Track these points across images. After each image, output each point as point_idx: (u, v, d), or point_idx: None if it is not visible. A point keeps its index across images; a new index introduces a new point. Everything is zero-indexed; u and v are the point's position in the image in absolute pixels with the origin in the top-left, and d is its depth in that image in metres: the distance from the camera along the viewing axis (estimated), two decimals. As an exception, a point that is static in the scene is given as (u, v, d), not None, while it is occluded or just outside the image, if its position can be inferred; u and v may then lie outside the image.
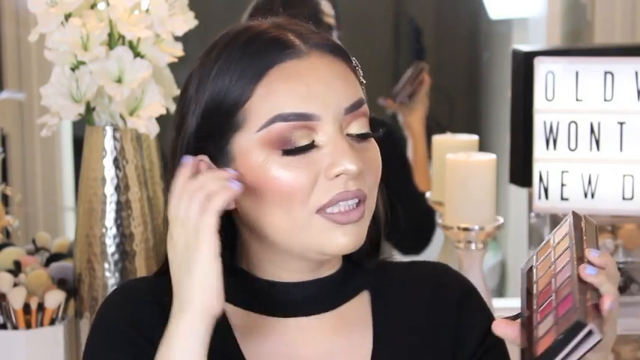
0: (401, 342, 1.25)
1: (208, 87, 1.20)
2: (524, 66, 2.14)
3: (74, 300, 1.86)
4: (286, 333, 1.22)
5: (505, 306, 2.35)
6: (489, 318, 1.28)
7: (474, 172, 1.98)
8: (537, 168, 2.02)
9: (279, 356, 1.21)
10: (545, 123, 2.02)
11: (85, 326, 1.83)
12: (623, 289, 2.02)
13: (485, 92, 4.74)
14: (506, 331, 1.11)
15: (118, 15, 1.76)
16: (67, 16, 1.77)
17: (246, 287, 1.24)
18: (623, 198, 2.00)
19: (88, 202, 1.82)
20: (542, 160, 2.02)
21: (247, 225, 1.22)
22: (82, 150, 1.85)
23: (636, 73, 1.98)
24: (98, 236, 1.81)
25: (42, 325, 1.83)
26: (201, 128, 1.21)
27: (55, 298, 1.82)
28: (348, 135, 1.18)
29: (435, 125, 4.62)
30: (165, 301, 1.18)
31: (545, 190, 2.02)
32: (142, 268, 1.82)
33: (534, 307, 1.08)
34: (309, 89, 1.17)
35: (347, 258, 1.27)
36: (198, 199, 1.14)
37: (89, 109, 1.82)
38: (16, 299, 1.80)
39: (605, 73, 1.99)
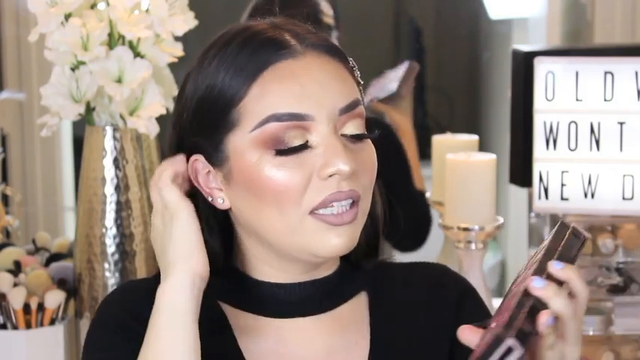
0: (398, 343, 1.24)
1: (204, 85, 1.20)
2: (524, 66, 2.14)
3: (74, 300, 1.86)
4: (283, 334, 1.22)
5: (505, 306, 2.34)
6: (488, 316, 1.28)
7: (474, 172, 1.98)
8: (537, 168, 2.02)
9: (276, 356, 1.21)
10: (545, 123, 2.02)
11: (85, 326, 1.83)
12: (623, 289, 2.02)
13: (485, 92, 4.74)
14: (469, 338, 1.09)
15: (118, 15, 1.76)
16: (67, 16, 1.77)
17: (243, 288, 1.24)
18: (623, 198, 1.99)
19: (88, 202, 1.82)
20: (542, 160, 2.02)
21: (243, 225, 1.22)
22: (82, 150, 1.85)
23: (636, 73, 1.98)
24: (98, 236, 1.81)
25: (42, 325, 1.83)
26: (197, 126, 1.21)
27: (55, 298, 1.82)
28: (343, 135, 1.18)
29: (435, 125, 4.63)
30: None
31: (545, 190, 2.02)
32: (141, 268, 1.82)
33: (493, 316, 1.07)
34: (303, 89, 1.17)
35: (345, 259, 1.27)
36: (155, 181, 1.20)
37: (89, 109, 1.82)
38: (16, 299, 1.80)
39: (605, 73, 1.99)
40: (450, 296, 1.28)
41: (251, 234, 1.22)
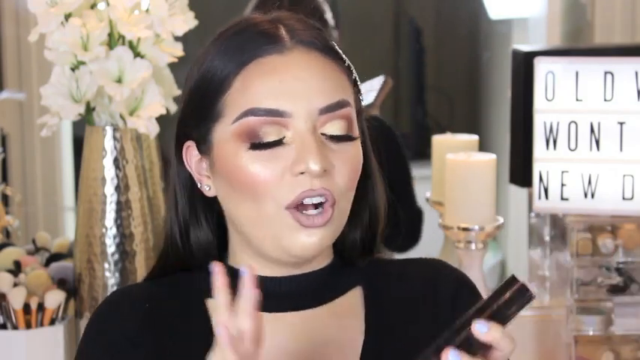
0: (393, 337, 1.24)
1: (199, 74, 1.22)
2: (524, 66, 2.14)
3: (74, 300, 1.86)
4: (274, 328, 1.22)
5: (505, 306, 2.34)
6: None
7: (474, 172, 1.98)
8: (537, 168, 2.02)
9: (267, 351, 1.21)
10: (545, 123, 2.02)
11: (84, 326, 1.83)
12: (623, 289, 2.02)
13: (485, 92, 4.74)
14: None
15: (118, 15, 1.76)
16: (67, 16, 1.77)
17: (233, 282, 1.25)
18: (623, 198, 1.99)
19: (88, 202, 1.82)
20: (542, 160, 2.02)
21: (227, 217, 1.24)
22: (82, 150, 1.85)
23: (636, 73, 1.98)
24: (98, 236, 1.81)
25: (42, 325, 1.83)
26: (190, 113, 1.23)
27: (55, 298, 1.82)
28: (323, 134, 1.18)
29: (435, 125, 4.63)
30: (138, 309, 1.22)
31: (545, 190, 2.02)
32: (142, 268, 1.82)
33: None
34: (282, 85, 1.17)
35: (338, 254, 1.28)
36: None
37: (89, 109, 1.82)
38: (16, 299, 1.80)
39: (605, 73, 1.99)
40: (446, 290, 1.28)
41: (234, 226, 1.23)
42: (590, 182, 2.00)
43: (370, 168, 1.28)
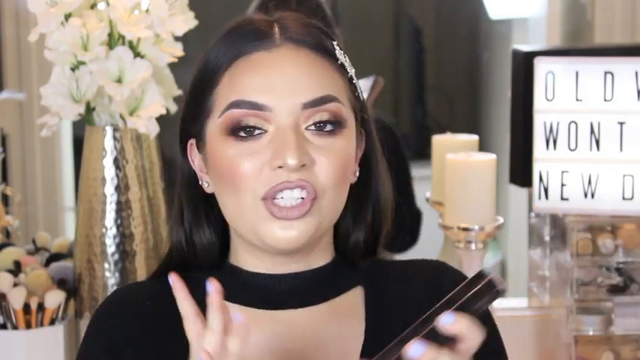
0: (393, 337, 1.24)
1: (194, 74, 1.25)
2: (524, 66, 2.14)
3: (74, 300, 1.86)
4: (273, 326, 1.23)
5: (505, 306, 2.35)
6: (483, 312, 1.28)
7: (474, 172, 1.98)
8: (537, 168, 2.02)
9: (264, 350, 1.21)
10: (545, 123, 2.02)
11: (84, 326, 1.83)
12: (623, 289, 2.02)
13: (485, 92, 4.74)
14: None
15: (118, 15, 1.76)
16: (67, 16, 1.77)
17: (234, 281, 1.25)
18: (623, 198, 1.99)
19: (88, 202, 1.82)
20: (542, 160, 2.02)
21: (223, 213, 1.24)
22: (82, 150, 1.85)
23: (636, 73, 1.98)
24: (98, 236, 1.81)
25: (42, 325, 1.83)
26: (188, 112, 1.25)
27: (55, 298, 1.82)
28: (307, 129, 1.19)
29: (435, 125, 4.63)
30: (141, 307, 1.22)
31: (545, 190, 2.02)
32: (142, 268, 1.82)
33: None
34: (266, 80, 1.18)
35: (340, 253, 1.28)
36: None
37: (89, 109, 1.82)
38: (16, 299, 1.80)
39: (605, 73, 1.99)
40: (445, 292, 1.28)
41: (229, 222, 1.24)
42: (590, 182, 2.00)
43: (376, 168, 1.28)
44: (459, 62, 4.82)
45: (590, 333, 2.03)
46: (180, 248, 1.28)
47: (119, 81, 1.76)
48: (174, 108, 1.95)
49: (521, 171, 2.17)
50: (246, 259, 1.25)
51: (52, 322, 1.84)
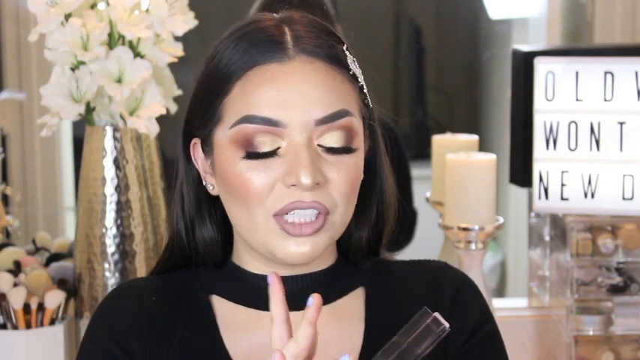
0: (392, 337, 1.24)
1: (204, 74, 1.23)
2: (524, 66, 2.14)
3: (74, 300, 1.86)
4: None
5: (505, 306, 2.35)
6: (482, 311, 1.28)
7: (474, 172, 1.98)
8: (537, 168, 2.02)
9: (265, 351, 1.22)
10: (545, 123, 2.02)
11: (84, 326, 1.83)
12: (623, 289, 2.02)
13: (485, 92, 4.74)
14: None
15: (118, 15, 1.76)
16: (67, 16, 1.77)
17: (237, 281, 1.25)
18: (623, 198, 1.99)
19: (88, 202, 1.82)
20: (542, 160, 2.02)
21: (229, 217, 1.24)
22: (82, 150, 1.85)
23: (636, 73, 1.98)
24: (98, 236, 1.81)
25: (42, 325, 1.83)
26: (195, 114, 1.24)
27: (55, 298, 1.82)
28: (320, 146, 1.18)
29: (435, 125, 4.63)
30: (145, 301, 1.23)
31: (545, 190, 2.02)
32: (142, 268, 1.82)
33: None
34: (278, 95, 1.17)
35: (343, 255, 1.28)
36: None
37: (89, 109, 1.82)
38: (16, 299, 1.80)
39: (605, 73, 1.99)
40: (446, 293, 1.28)
41: (238, 232, 1.24)
42: (590, 182, 2.00)
43: (381, 169, 1.28)
44: (459, 62, 4.82)
45: (590, 333, 2.03)
46: (181, 244, 1.28)
47: (119, 81, 1.76)
48: (174, 108, 1.96)
49: (521, 171, 2.17)
50: (248, 260, 1.25)
51: (52, 322, 1.84)
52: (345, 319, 1.25)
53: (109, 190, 1.81)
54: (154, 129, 1.80)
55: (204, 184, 1.25)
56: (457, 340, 1.25)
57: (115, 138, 1.81)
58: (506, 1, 4.19)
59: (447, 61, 4.82)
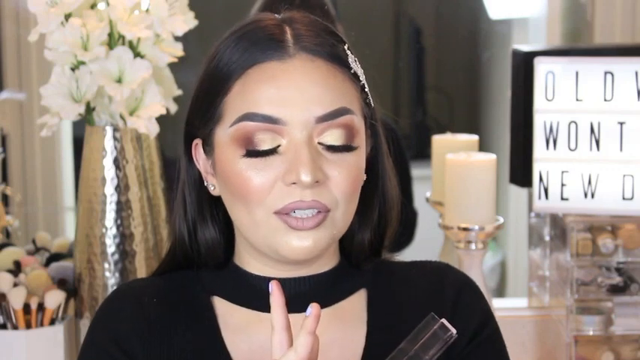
0: (394, 339, 1.24)
1: (204, 74, 1.23)
2: (524, 66, 2.14)
3: (74, 300, 1.86)
4: None
5: (505, 306, 2.35)
6: (484, 313, 1.28)
7: (474, 172, 1.98)
8: (537, 168, 2.02)
9: (268, 352, 1.21)
10: (545, 123, 2.02)
11: (84, 326, 1.83)
12: (623, 289, 2.02)
13: (485, 92, 4.74)
14: None
15: (118, 15, 1.76)
16: (67, 16, 1.77)
17: (240, 282, 1.25)
18: (623, 198, 1.99)
19: (88, 202, 1.82)
20: (542, 160, 2.02)
21: (231, 217, 1.24)
22: (82, 150, 1.85)
23: (636, 73, 1.98)
24: (98, 236, 1.81)
25: (42, 325, 1.83)
26: (196, 113, 1.24)
27: (55, 298, 1.82)
28: (320, 144, 1.18)
29: (435, 125, 4.63)
30: (146, 302, 1.23)
31: (545, 190, 2.02)
32: (142, 268, 1.82)
33: None
34: (279, 93, 1.17)
35: (345, 257, 1.28)
36: None
37: (89, 109, 1.82)
38: (16, 299, 1.80)
39: (605, 73, 1.99)
40: (448, 295, 1.28)
41: (240, 231, 1.23)
42: (590, 182, 2.00)
43: (383, 169, 1.28)
44: (459, 62, 4.82)
45: (590, 333, 2.03)
46: (183, 246, 1.28)
47: (119, 81, 1.76)
48: (174, 108, 1.95)
49: (521, 171, 2.17)
50: (250, 261, 1.25)
51: (52, 322, 1.84)
52: (347, 321, 1.25)
53: (109, 190, 1.81)
54: (154, 129, 1.80)
55: (205, 184, 1.25)
56: (459, 343, 1.25)
57: (115, 138, 1.81)
58: (506, 1, 4.19)
59: (447, 61, 4.82)
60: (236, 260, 1.27)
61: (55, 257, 1.93)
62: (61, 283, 1.84)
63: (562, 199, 2.02)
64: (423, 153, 2.83)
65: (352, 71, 1.21)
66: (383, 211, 1.28)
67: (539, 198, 2.02)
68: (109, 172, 1.81)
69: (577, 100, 2.00)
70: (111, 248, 1.81)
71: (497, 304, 2.14)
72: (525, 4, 3.90)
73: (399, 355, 1.08)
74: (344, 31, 2.65)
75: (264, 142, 1.17)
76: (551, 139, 2.01)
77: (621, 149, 1.99)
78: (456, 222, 1.99)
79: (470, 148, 2.26)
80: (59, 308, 1.84)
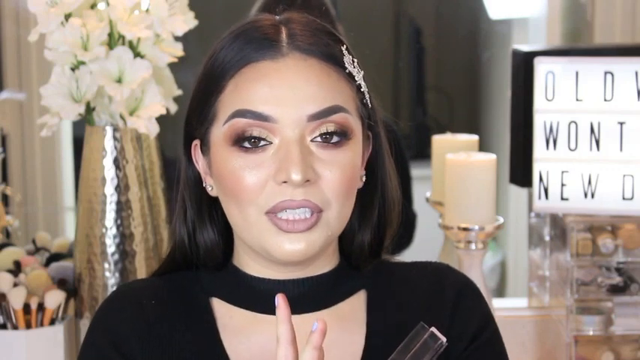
0: (394, 340, 1.24)
1: (201, 74, 1.23)
2: (524, 66, 2.14)
3: (74, 300, 1.86)
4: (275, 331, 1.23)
5: (505, 306, 2.35)
6: (484, 315, 1.28)
7: (474, 172, 1.98)
8: (537, 168, 2.02)
9: (267, 354, 1.21)
10: (545, 123, 2.02)
11: (84, 326, 1.83)
12: (623, 289, 2.02)
13: (485, 92, 4.74)
14: None
15: (118, 15, 1.76)
16: (67, 16, 1.77)
17: (238, 284, 1.25)
18: (623, 198, 1.99)
19: (88, 202, 1.82)
20: (542, 160, 2.02)
21: (228, 218, 1.24)
22: (82, 150, 1.85)
23: (636, 73, 1.98)
24: (98, 236, 1.81)
25: (42, 325, 1.83)
26: (193, 114, 1.24)
27: (55, 298, 1.82)
28: (312, 142, 1.17)
29: (435, 125, 4.63)
30: (145, 304, 1.23)
31: (545, 190, 2.02)
32: (142, 268, 1.82)
33: None
34: (271, 91, 1.17)
35: (345, 258, 1.28)
36: None
37: (89, 109, 1.82)
38: (16, 299, 1.80)
39: (605, 73, 1.99)
40: (448, 296, 1.28)
41: (234, 230, 1.23)
42: (590, 182, 2.00)
43: (383, 170, 1.27)
44: (459, 62, 4.82)
45: (590, 333, 2.03)
46: (183, 248, 1.28)
47: (119, 81, 1.76)
48: (174, 108, 1.96)
49: (521, 171, 2.17)
50: (249, 263, 1.25)
51: (52, 322, 1.84)
52: (346, 322, 1.25)
53: (109, 190, 1.81)
54: (154, 129, 1.80)
55: (204, 185, 1.25)
56: (458, 345, 1.25)
57: (115, 138, 1.81)
58: (506, 1, 4.19)
59: (447, 61, 4.82)
60: (235, 262, 1.27)
61: (55, 257, 1.93)
62: (61, 283, 1.84)
63: (562, 199, 2.02)
64: (423, 153, 2.83)
65: (347, 71, 1.21)
66: (383, 212, 1.28)
67: (539, 198, 2.02)
68: (109, 172, 1.81)
69: (577, 100, 2.00)
70: (111, 248, 1.81)
71: (497, 304, 2.14)
72: (525, 4, 3.90)
73: None
74: (344, 31, 2.65)
75: (258, 140, 1.17)
76: (551, 139, 2.01)
77: (621, 149, 1.99)
78: (456, 222, 1.99)
79: (470, 148, 2.26)
80: (59, 308, 1.84)
